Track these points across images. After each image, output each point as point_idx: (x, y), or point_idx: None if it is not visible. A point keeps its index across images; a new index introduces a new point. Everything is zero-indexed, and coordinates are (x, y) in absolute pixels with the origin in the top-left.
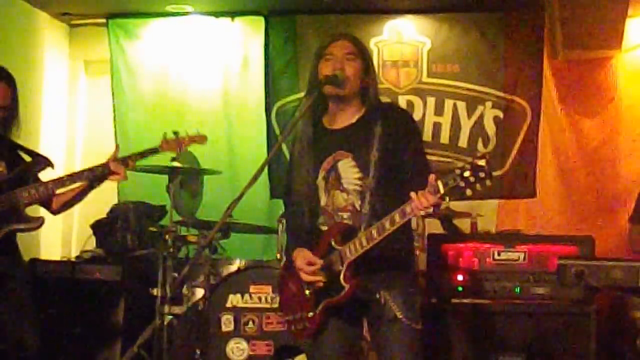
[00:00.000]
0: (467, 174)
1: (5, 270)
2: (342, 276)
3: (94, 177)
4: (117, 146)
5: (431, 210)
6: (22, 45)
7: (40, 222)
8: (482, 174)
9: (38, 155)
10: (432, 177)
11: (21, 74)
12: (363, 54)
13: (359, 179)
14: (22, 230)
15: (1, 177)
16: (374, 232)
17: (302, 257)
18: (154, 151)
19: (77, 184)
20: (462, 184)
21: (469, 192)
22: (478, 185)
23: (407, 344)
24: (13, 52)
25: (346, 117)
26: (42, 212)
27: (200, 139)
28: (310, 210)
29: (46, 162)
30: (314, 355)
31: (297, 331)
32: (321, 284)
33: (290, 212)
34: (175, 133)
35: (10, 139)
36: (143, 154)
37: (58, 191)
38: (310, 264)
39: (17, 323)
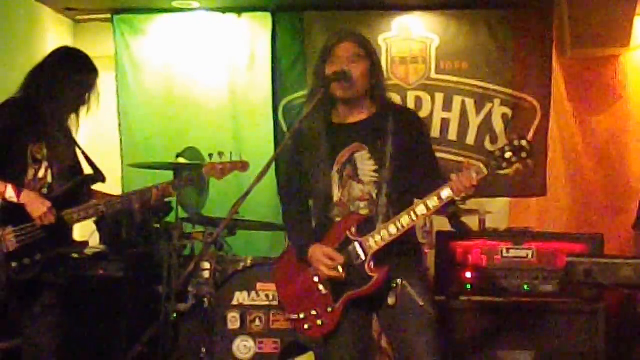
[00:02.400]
0: (508, 155)
1: (52, 282)
2: (366, 267)
3: (143, 201)
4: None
5: (472, 192)
6: (26, 41)
7: (85, 246)
8: (524, 154)
9: (95, 167)
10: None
11: (25, 70)
12: (369, 53)
13: (375, 171)
14: (64, 254)
15: (57, 189)
16: (403, 220)
17: (322, 252)
18: (199, 176)
19: None
20: (505, 165)
21: (509, 171)
22: (520, 165)
23: (429, 331)
24: (17, 48)
25: (358, 114)
26: None
27: (243, 166)
28: (323, 205)
29: (100, 177)
30: (327, 349)
31: (312, 328)
32: (342, 278)
33: (294, 208)
34: (221, 154)
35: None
36: (189, 180)
37: None
38: (331, 259)
39: (40, 331)
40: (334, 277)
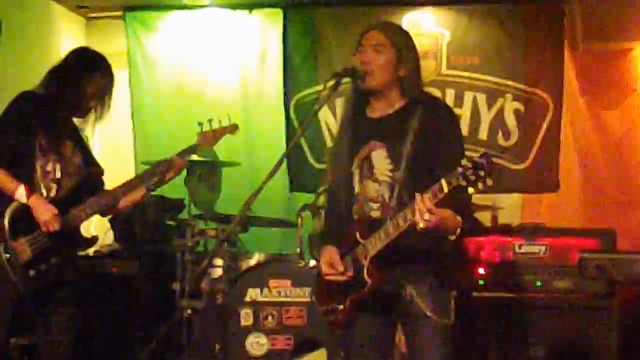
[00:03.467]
0: (468, 172)
1: (67, 278)
2: (365, 271)
3: (146, 186)
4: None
5: (428, 217)
6: (39, 39)
7: (95, 240)
8: (481, 172)
9: (98, 165)
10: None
11: (38, 68)
12: (394, 44)
13: (391, 170)
14: (77, 253)
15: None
16: (390, 227)
17: (327, 257)
18: (193, 148)
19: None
20: (464, 183)
21: (471, 190)
22: (480, 184)
23: (437, 341)
24: (30, 46)
25: (385, 107)
26: None
27: (232, 128)
28: (346, 198)
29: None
30: (346, 348)
31: (330, 322)
32: (343, 281)
33: (328, 201)
34: (210, 121)
35: (84, 133)
36: (185, 153)
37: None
38: (332, 266)
39: (54, 327)
40: (336, 281)
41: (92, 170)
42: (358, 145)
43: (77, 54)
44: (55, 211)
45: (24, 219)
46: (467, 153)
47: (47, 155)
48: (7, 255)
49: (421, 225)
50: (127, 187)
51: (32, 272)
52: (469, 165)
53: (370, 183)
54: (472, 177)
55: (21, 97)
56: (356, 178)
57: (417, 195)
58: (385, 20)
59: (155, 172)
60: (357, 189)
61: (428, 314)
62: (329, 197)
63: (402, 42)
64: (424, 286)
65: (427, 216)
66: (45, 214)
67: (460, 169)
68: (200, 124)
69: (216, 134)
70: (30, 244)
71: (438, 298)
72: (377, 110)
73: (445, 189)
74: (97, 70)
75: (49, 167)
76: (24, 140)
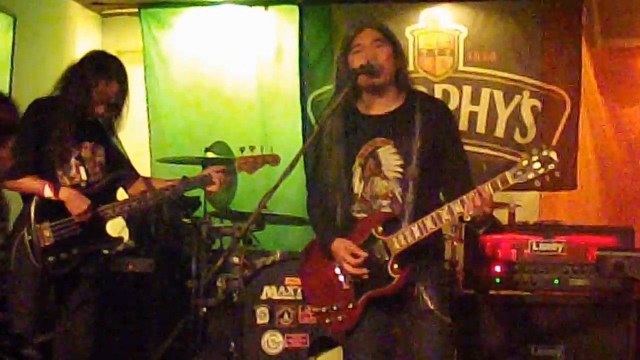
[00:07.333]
0: (537, 165)
1: (87, 273)
2: (389, 267)
3: (176, 194)
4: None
5: (482, 212)
6: (54, 36)
7: (120, 242)
8: (551, 166)
9: (130, 164)
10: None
11: (53, 65)
12: (390, 39)
13: (400, 166)
14: (100, 250)
15: (97, 185)
16: (429, 222)
17: (345, 248)
18: (232, 170)
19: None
20: (531, 176)
21: (537, 182)
22: (548, 178)
23: (438, 337)
24: (45, 43)
25: (384, 105)
26: None
27: (273, 159)
28: (343, 198)
29: (135, 176)
30: (348, 346)
31: (333, 323)
32: (365, 276)
33: (319, 201)
34: (252, 147)
35: (113, 130)
36: (224, 172)
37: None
38: (354, 256)
39: (76, 324)
40: (357, 275)
41: (120, 172)
42: (359, 143)
43: (93, 59)
44: (89, 202)
45: (52, 206)
46: (484, 150)
47: (69, 160)
48: (30, 237)
49: (472, 214)
50: (159, 195)
51: (51, 258)
52: (536, 159)
53: (379, 180)
54: (541, 171)
55: (35, 105)
56: (357, 176)
57: (480, 188)
58: (368, 19)
59: (190, 187)
60: (358, 187)
61: (432, 309)
62: (322, 197)
63: (394, 36)
64: (429, 283)
65: (480, 211)
66: (80, 206)
67: (525, 162)
68: (242, 148)
69: (256, 162)
70: (53, 231)
71: (442, 296)
72: (374, 107)
73: (511, 181)
74: (114, 78)
75: (73, 172)
76: (44, 149)
